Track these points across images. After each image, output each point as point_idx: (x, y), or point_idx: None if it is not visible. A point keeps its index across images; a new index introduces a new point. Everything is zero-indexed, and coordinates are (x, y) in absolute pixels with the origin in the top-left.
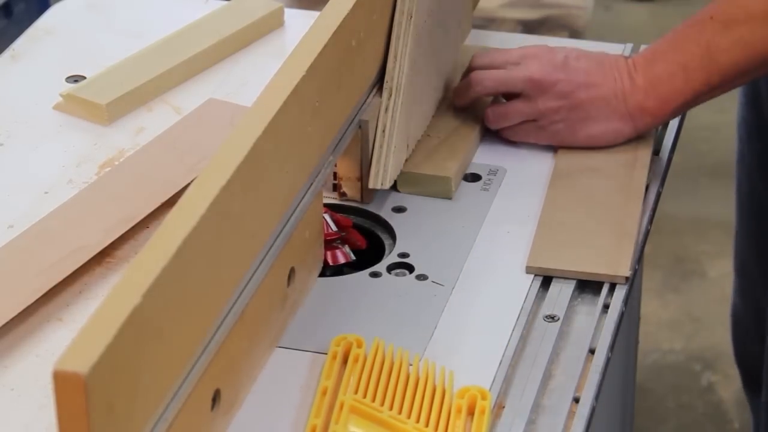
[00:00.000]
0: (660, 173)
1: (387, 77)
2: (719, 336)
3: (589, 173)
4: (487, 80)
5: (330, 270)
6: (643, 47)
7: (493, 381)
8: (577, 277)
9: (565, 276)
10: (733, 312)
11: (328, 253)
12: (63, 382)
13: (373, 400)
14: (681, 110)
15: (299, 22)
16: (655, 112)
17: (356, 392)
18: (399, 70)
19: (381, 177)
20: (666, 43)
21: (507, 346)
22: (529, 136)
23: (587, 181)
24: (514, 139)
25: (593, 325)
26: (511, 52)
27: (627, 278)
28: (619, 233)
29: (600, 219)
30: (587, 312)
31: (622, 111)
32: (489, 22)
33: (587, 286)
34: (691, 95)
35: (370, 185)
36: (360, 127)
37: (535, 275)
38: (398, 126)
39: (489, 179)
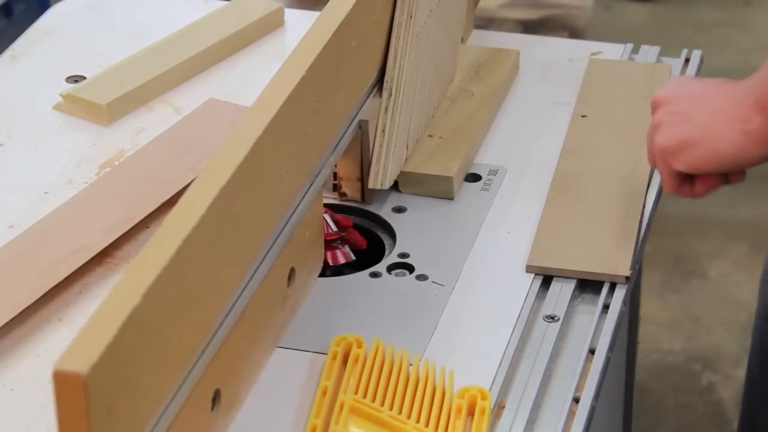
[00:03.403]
0: None
1: (387, 77)
2: (719, 336)
3: (590, 173)
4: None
5: (330, 270)
6: (644, 47)
7: (493, 381)
8: (577, 277)
9: (565, 275)
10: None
11: (328, 253)
12: (63, 382)
13: (373, 401)
14: None
15: (299, 22)
16: None
17: (356, 392)
18: (399, 70)
19: (381, 177)
20: None
21: (507, 346)
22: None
23: (588, 181)
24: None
25: (593, 325)
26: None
27: (627, 278)
28: (619, 233)
29: (600, 219)
30: (587, 312)
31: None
32: (489, 22)
33: (587, 286)
34: None
35: (370, 185)
36: (360, 127)
37: (536, 275)
38: (398, 126)
39: (489, 179)
